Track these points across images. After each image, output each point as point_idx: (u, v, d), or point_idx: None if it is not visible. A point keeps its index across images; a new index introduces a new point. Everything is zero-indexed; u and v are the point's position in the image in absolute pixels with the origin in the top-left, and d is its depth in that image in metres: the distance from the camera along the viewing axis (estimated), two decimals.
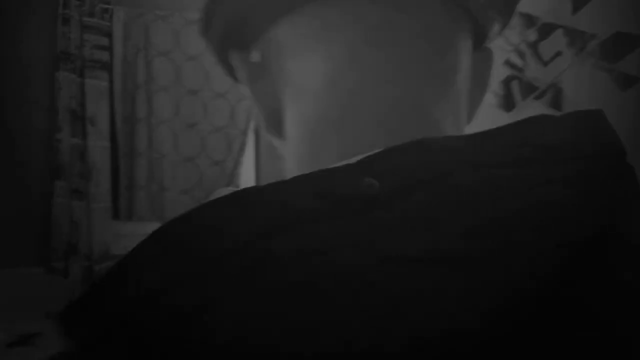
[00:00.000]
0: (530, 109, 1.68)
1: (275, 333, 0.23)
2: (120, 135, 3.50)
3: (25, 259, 3.23)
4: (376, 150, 0.31)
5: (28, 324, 2.95)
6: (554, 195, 0.27)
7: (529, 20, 1.69)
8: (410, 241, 0.26)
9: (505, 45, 1.74)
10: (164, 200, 3.59)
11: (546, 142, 0.30)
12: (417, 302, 0.24)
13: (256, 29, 0.40)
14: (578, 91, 1.50)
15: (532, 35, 1.69)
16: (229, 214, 0.28)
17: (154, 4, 3.47)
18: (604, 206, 0.27)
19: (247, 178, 3.91)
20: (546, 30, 1.62)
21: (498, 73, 1.79)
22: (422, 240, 0.26)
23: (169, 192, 3.59)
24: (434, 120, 0.37)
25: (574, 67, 1.51)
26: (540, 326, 0.23)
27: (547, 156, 0.29)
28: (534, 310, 0.24)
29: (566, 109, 1.55)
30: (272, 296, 0.25)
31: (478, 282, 0.24)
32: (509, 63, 1.77)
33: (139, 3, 3.45)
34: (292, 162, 0.40)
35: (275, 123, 0.41)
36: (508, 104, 1.76)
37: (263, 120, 0.42)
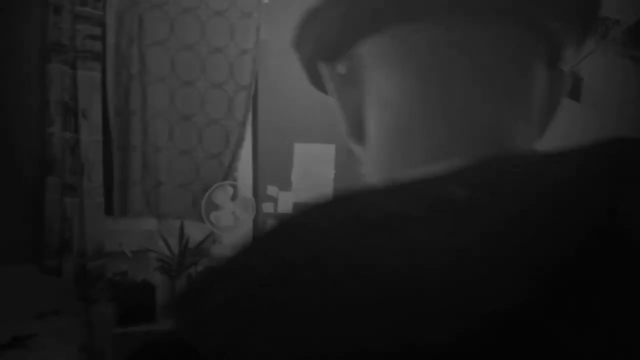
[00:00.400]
0: None
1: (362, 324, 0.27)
2: (114, 129, 3.45)
3: (16, 257, 3.19)
4: (458, 161, 0.36)
5: (21, 325, 2.91)
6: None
7: None
8: (495, 246, 0.29)
9: None
10: (160, 195, 3.54)
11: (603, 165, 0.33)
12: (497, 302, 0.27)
13: (344, 46, 0.46)
14: (599, 80, 1.45)
15: None
16: (326, 217, 0.34)
17: None
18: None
19: (244, 171, 3.90)
20: None
21: None
22: (507, 246, 0.29)
23: (164, 187, 3.55)
24: (507, 133, 0.41)
25: (596, 55, 1.45)
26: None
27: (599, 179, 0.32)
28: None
29: (585, 99, 1.49)
30: (361, 292, 0.28)
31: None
32: None
33: None
34: (371, 167, 0.46)
35: (356, 130, 0.47)
36: None
37: (346, 127, 0.47)
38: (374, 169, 0.46)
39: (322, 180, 3.99)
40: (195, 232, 3.64)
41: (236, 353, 0.29)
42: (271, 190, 3.87)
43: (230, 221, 3.56)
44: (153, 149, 3.50)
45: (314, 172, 3.97)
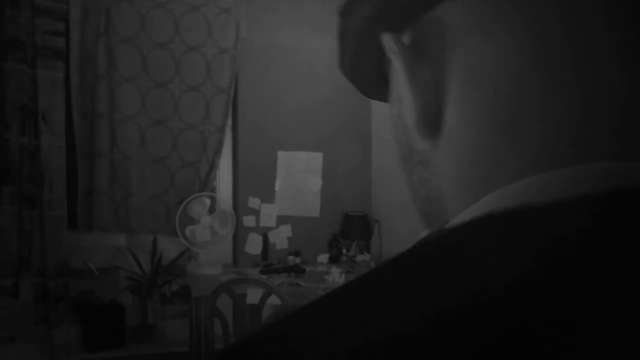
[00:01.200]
0: None
1: None
2: (78, 134, 3.32)
3: None
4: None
5: None
6: None
7: None
8: None
9: None
10: (130, 208, 3.42)
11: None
12: None
13: (419, 9, 0.39)
14: None
15: None
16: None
17: None
18: None
19: (223, 182, 3.79)
20: None
21: None
22: None
23: (135, 198, 3.42)
24: (629, 119, 0.34)
25: None
26: None
27: None
28: None
29: None
30: None
31: None
32: None
33: None
34: (454, 166, 0.38)
35: (430, 119, 0.39)
36: None
37: (415, 114, 0.39)
38: (457, 168, 0.38)
39: (308, 192, 3.87)
40: (169, 248, 3.54)
41: None
42: (252, 202, 3.75)
43: (208, 236, 3.41)
44: (122, 156, 3.37)
45: (299, 182, 3.85)
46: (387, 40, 0.40)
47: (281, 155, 3.80)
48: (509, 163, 0.35)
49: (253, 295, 2.87)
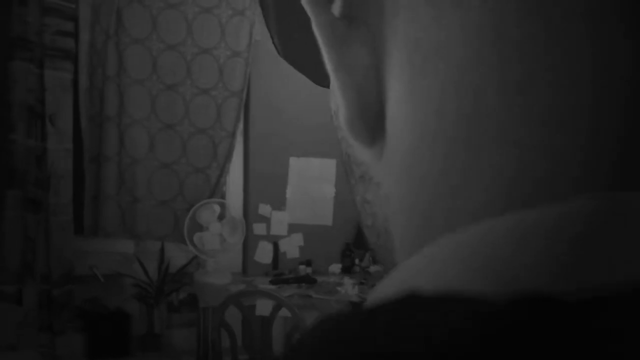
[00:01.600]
0: None
1: None
2: (86, 137, 3.28)
3: None
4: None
5: None
6: None
7: None
8: None
9: None
10: (137, 213, 3.37)
11: None
12: None
13: None
14: None
15: None
16: None
17: None
18: None
19: (234, 188, 3.74)
20: None
21: None
22: None
23: (142, 204, 3.38)
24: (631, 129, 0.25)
25: None
26: None
27: None
28: None
29: None
30: None
31: None
32: None
33: None
34: (398, 185, 0.27)
35: (367, 117, 0.28)
36: None
37: (347, 110, 0.28)
38: (401, 191, 0.27)
39: (321, 200, 3.81)
40: (176, 256, 3.48)
41: None
42: (263, 209, 3.69)
43: (217, 244, 3.34)
44: (130, 160, 3.33)
45: (311, 190, 3.79)
46: (309, 7, 0.28)
47: (293, 161, 3.74)
48: (471, 186, 0.25)
49: (263, 307, 2.80)
